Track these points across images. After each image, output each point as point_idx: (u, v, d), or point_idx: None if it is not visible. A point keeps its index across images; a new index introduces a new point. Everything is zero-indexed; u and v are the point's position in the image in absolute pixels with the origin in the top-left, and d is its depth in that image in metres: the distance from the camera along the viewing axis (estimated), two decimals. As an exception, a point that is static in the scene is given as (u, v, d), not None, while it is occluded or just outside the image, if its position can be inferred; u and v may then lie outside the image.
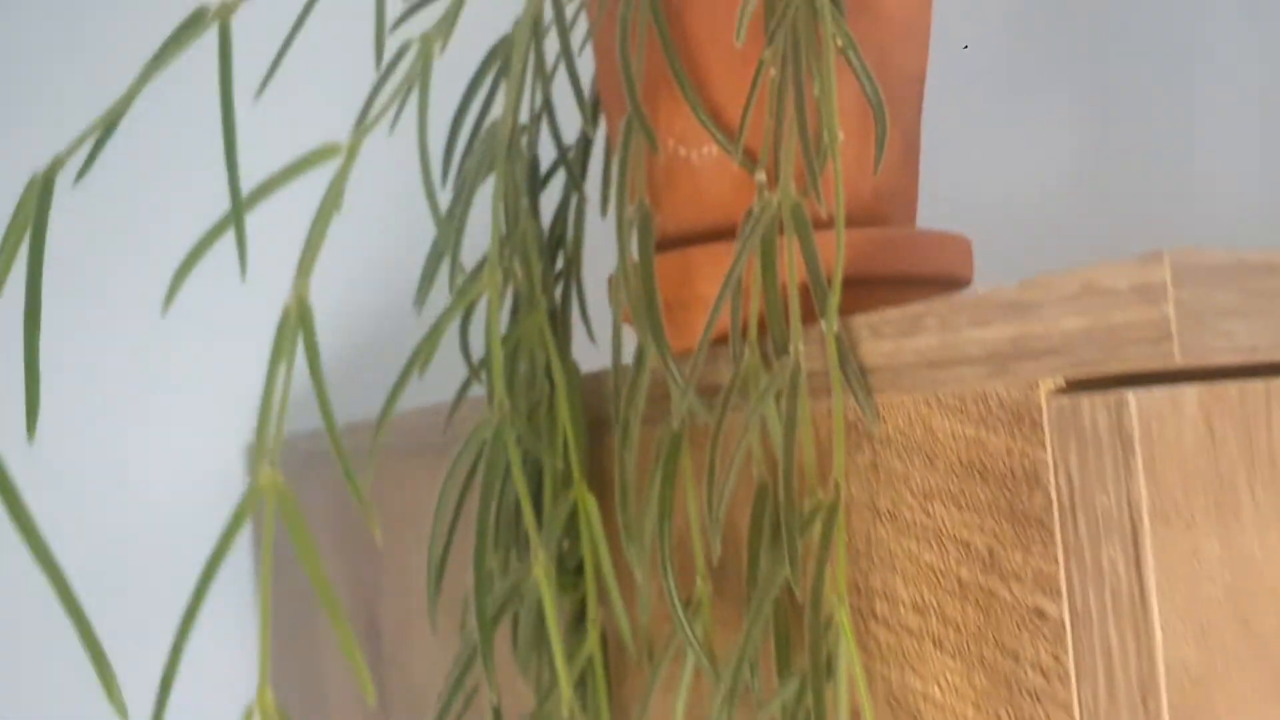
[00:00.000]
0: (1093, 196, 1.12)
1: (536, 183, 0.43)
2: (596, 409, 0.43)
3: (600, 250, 0.80)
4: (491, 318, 0.34)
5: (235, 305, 0.86)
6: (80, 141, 0.30)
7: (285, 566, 0.79)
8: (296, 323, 0.29)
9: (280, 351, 0.29)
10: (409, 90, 0.35)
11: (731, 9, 0.38)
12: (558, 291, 0.44)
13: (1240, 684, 0.27)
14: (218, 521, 0.86)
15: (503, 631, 0.46)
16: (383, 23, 0.37)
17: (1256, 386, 0.28)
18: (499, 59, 0.39)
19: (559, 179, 0.47)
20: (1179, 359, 0.25)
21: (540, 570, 0.33)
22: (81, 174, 0.33)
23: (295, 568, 0.76)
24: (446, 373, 0.89)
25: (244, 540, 0.87)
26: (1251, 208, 1.21)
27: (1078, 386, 0.28)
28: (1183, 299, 0.25)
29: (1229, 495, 0.27)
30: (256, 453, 0.29)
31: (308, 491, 0.75)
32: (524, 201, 0.38)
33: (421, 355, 0.35)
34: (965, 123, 1.07)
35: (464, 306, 0.35)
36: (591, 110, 0.46)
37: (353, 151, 0.30)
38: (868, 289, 0.38)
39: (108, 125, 0.31)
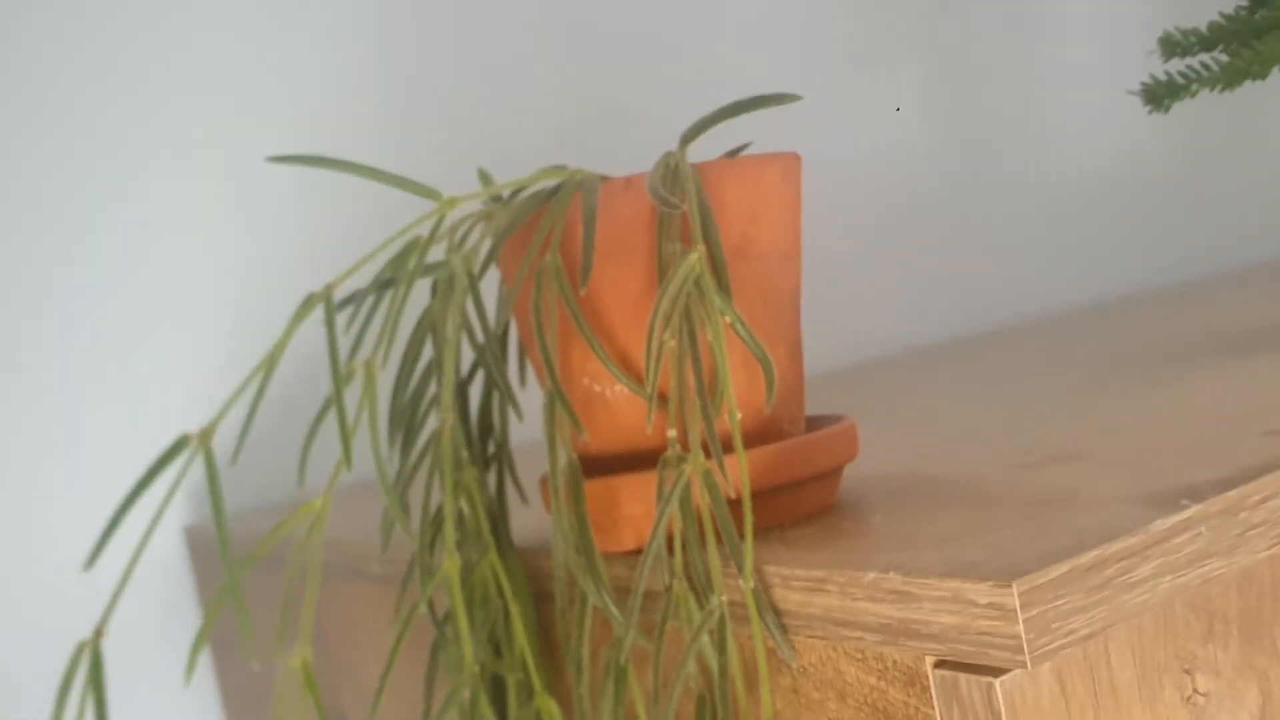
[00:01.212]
0: (947, 162, 1.19)
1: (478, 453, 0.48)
2: (539, 583, 0.49)
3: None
4: (455, 601, 0.40)
5: (159, 421, 0.89)
6: None
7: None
8: (305, 688, 0.34)
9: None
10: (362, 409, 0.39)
11: (632, 266, 0.43)
12: (491, 477, 0.49)
13: None
14: (160, 609, 0.90)
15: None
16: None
17: (1097, 640, 0.35)
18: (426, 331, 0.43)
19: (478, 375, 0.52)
20: (1030, 666, 0.32)
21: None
22: None
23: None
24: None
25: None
26: (1098, 163, 1.29)
27: (955, 666, 0.34)
28: (1031, 617, 0.32)
29: (1081, 733, 0.34)
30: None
31: (252, 585, 0.80)
32: (464, 456, 0.43)
33: (400, 639, 0.40)
34: (820, 97, 1.13)
35: (429, 585, 0.40)
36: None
37: (322, 515, 0.35)
38: (771, 497, 0.44)
39: None
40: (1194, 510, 0.36)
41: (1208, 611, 0.37)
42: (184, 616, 0.89)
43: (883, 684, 0.36)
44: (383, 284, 0.46)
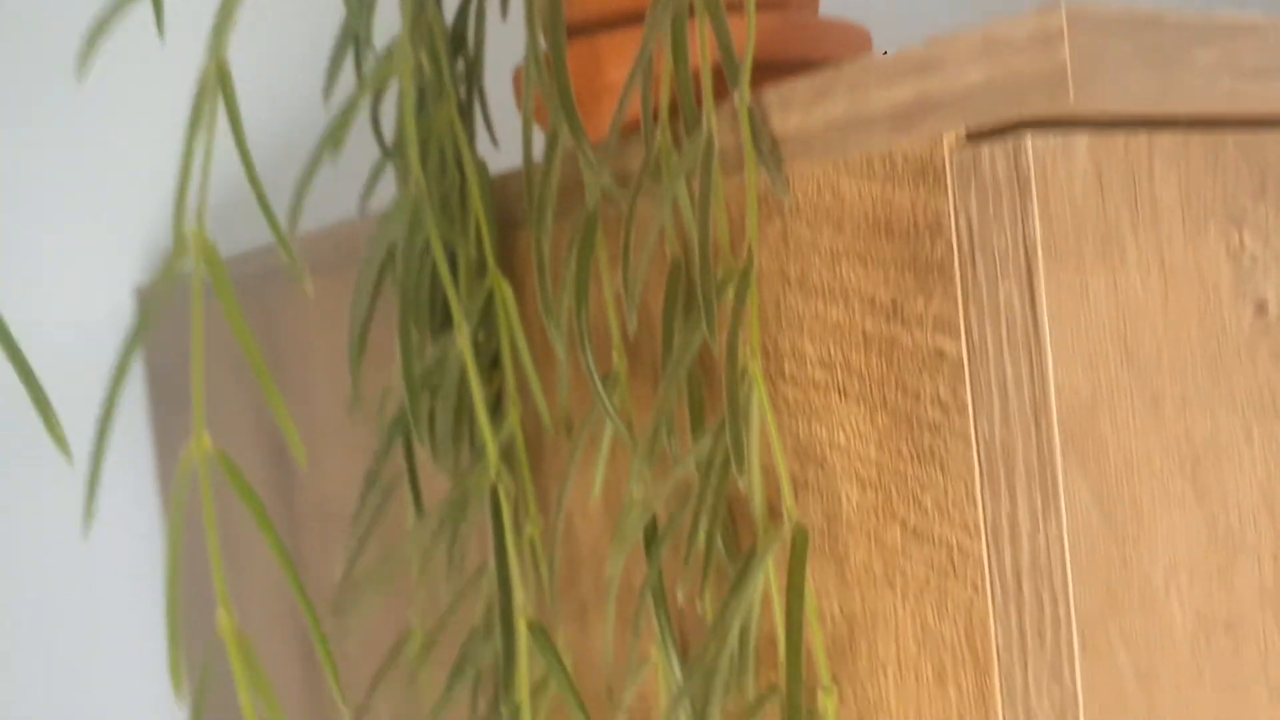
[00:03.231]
0: None
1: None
2: (505, 209, 0.44)
3: (498, 59, 0.80)
4: (405, 95, 0.35)
5: (122, 135, 0.84)
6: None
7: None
8: (215, 85, 0.29)
9: (199, 116, 0.30)
10: None
11: None
12: (461, 92, 0.45)
13: (1123, 407, 0.29)
14: (106, 374, 0.85)
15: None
16: None
17: (1140, 139, 0.30)
18: None
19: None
20: (1073, 103, 0.27)
21: (463, 339, 0.34)
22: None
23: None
24: (339, 198, 0.88)
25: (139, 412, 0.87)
26: None
27: (978, 137, 0.29)
28: (1078, 45, 0.27)
29: (1114, 238, 0.30)
30: (176, 217, 0.30)
31: (208, 322, 0.75)
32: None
33: (334, 136, 0.36)
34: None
35: (377, 88, 0.35)
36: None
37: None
38: (773, 73, 0.39)
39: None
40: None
41: (1261, 166, 0.33)
42: (131, 382, 0.84)
43: (888, 189, 0.31)
44: None
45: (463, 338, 0.35)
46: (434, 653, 0.43)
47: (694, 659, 0.34)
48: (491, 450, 0.35)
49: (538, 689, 0.38)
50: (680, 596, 0.33)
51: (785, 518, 0.33)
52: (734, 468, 0.31)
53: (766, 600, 0.36)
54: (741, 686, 0.36)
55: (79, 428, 0.83)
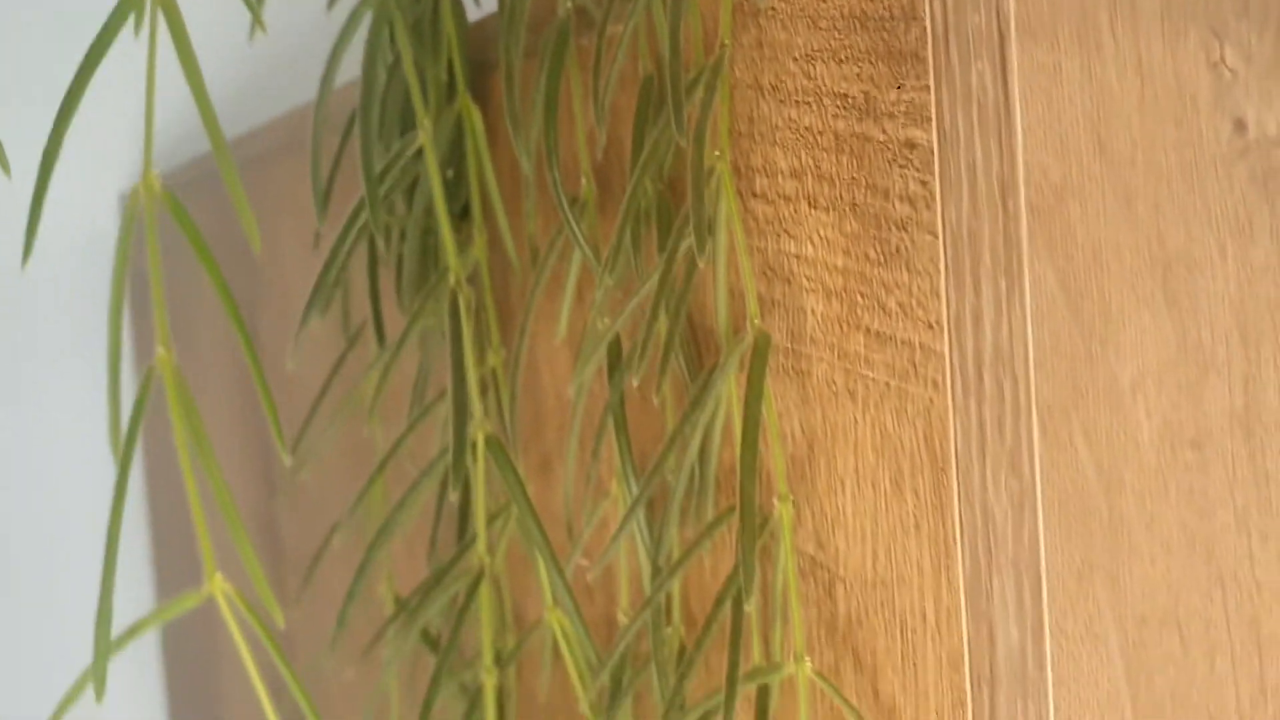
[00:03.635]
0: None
1: None
2: (479, 49, 0.43)
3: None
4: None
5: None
6: None
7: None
8: None
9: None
10: None
11: None
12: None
13: (1094, 198, 0.29)
14: (91, 277, 0.84)
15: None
16: None
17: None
18: None
19: None
20: None
21: (426, 139, 0.34)
22: None
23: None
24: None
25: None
26: None
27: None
28: None
29: (1091, 28, 0.29)
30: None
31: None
32: None
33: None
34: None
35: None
36: None
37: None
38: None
39: None
40: None
41: (1247, -18, 0.32)
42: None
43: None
44: None
45: (429, 151, 0.34)
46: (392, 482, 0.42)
47: (650, 471, 0.33)
48: (453, 259, 0.34)
49: (494, 518, 0.37)
50: (634, 383, 0.32)
51: (749, 325, 0.32)
52: (696, 258, 0.31)
53: (728, 430, 0.35)
54: (700, 513, 0.35)
55: (65, 328, 0.83)
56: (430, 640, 0.39)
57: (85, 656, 0.25)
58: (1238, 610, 0.31)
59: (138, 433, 0.28)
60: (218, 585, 0.25)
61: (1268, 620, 0.31)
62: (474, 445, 0.34)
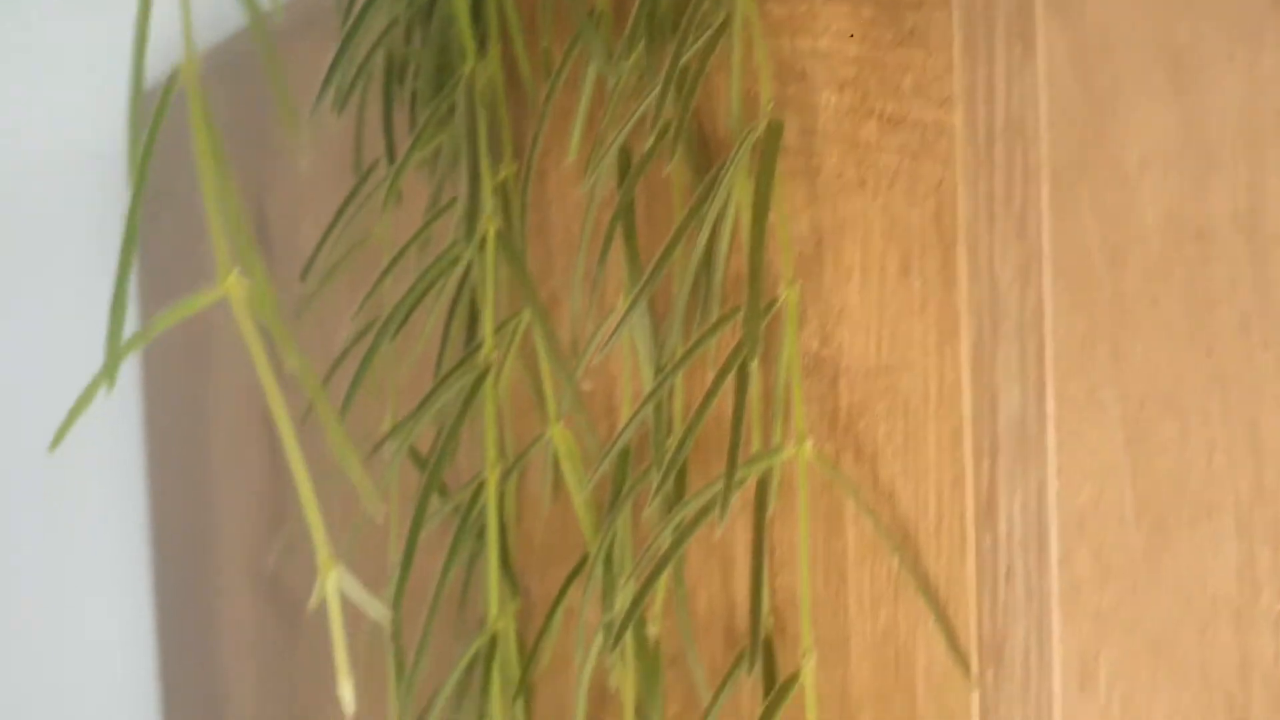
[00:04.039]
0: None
1: None
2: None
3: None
4: None
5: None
6: None
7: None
8: None
9: None
10: None
11: None
12: None
13: (1107, -29, 0.29)
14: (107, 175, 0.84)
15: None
16: None
17: None
18: None
19: None
20: None
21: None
22: None
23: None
24: None
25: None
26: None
27: None
28: None
29: None
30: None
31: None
32: None
33: None
34: None
35: None
36: None
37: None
38: None
39: None
40: None
41: None
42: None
43: None
44: None
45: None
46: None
47: (655, 262, 0.33)
48: (471, 50, 0.34)
49: (503, 325, 0.37)
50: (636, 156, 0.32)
51: (761, 113, 0.33)
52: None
53: (736, 237, 0.35)
54: (705, 320, 0.35)
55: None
56: (420, 460, 0.39)
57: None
58: (1237, 410, 0.31)
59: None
60: (232, 283, 0.25)
61: (1266, 424, 0.32)
62: (483, 240, 0.34)
